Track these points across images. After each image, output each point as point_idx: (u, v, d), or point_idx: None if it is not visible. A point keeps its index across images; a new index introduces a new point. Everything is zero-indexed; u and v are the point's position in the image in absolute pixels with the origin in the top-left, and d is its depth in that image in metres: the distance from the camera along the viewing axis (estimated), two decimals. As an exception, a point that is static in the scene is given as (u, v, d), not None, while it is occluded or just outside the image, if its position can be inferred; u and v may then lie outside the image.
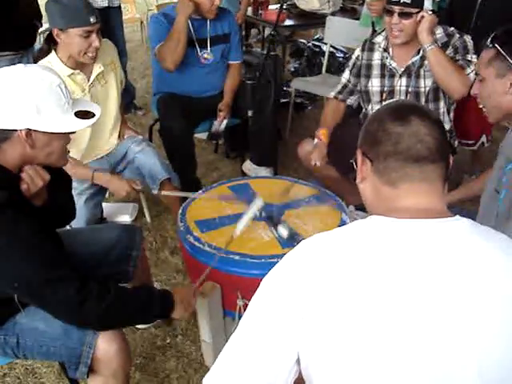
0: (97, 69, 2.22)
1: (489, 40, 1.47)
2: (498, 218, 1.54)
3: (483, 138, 2.70)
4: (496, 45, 1.44)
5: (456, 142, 2.55)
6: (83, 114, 1.37)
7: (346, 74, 2.52)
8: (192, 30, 2.78)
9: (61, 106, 1.31)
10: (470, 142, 2.73)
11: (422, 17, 2.14)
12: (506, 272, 0.84)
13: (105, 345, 1.40)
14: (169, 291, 1.49)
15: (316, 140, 2.43)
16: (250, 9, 4.56)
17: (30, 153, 1.30)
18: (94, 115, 1.39)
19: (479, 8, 2.85)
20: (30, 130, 1.26)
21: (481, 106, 1.58)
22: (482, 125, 2.61)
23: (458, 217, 0.90)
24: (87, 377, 1.44)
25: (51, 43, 2.12)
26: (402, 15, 2.15)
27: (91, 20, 2.05)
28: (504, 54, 1.42)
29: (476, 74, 1.55)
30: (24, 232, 1.23)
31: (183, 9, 2.66)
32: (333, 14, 4.20)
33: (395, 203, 0.94)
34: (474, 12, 2.86)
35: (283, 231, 1.73)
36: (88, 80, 2.21)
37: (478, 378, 0.80)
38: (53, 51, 2.12)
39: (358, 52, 2.48)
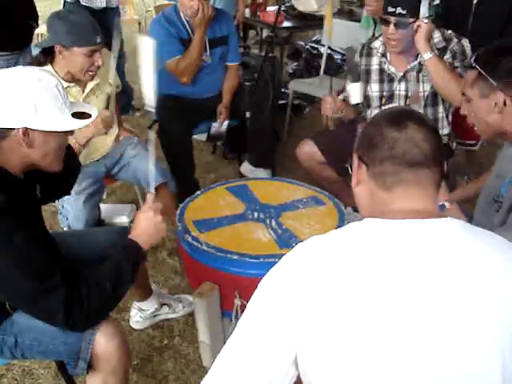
0: (92, 82, 2.19)
1: (472, 59, 1.48)
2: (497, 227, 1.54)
3: (483, 138, 2.71)
4: (477, 66, 1.45)
5: (454, 144, 2.56)
6: (80, 116, 1.39)
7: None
8: (190, 33, 2.79)
9: (58, 106, 1.33)
10: (472, 142, 2.74)
11: (419, 26, 2.13)
12: (502, 270, 0.85)
13: (104, 340, 1.39)
14: (131, 240, 1.43)
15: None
16: (247, 10, 4.58)
17: (27, 152, 1.31)
18: (90, 116, 1.41)
19: (474, 11, 2.85)
20: (27, 128, 1.27)
21: (471, 125, 1.58)
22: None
23: (449, 218, 0.91)
24: (87, 373, 1.43)
25: (48, 56, 2.07)
26: (398, 25, 2.15)
27: (97, 40, 2.03)
28: (485, 74, 1.43)
29: (462, 94, 1.55)
30: (20, 239, 1.23)
31: (199, 22, 2.65)
32: (331, 15, 4.21)
33: (389, 206, 0.95)
34: (470, 15, 2.87)
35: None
36: (83, 92, 2.19)
37: (468, 378, 0.80)
38: (49, 64, 2.07)
39: (356, 58, 2.49)
